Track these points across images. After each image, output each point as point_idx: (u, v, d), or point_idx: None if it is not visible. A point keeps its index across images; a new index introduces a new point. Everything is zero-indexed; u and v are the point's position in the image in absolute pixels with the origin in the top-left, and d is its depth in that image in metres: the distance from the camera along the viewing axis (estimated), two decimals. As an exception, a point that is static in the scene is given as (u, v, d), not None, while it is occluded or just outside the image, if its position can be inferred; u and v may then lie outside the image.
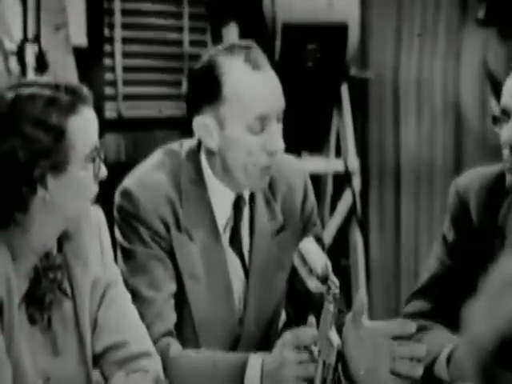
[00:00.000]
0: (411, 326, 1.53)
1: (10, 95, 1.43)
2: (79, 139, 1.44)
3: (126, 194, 1.72)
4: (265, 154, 1.70)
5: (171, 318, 1.71)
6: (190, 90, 1.75)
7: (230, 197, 1.77)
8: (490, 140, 3.31)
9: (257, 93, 1.68)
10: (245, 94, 1.68)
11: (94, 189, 1.49)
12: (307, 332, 1.52)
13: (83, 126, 1.45)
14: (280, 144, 1.70)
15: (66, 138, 1.42)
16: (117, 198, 1.74)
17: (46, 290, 1.48)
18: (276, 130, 1.70)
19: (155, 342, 1.65)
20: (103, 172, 1.49)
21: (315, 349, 1.49)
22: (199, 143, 1.77)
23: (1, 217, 1.44)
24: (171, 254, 1.72)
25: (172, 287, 1.72)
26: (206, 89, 1.70)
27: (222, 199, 1.76)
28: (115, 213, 1.75)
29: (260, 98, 1.68)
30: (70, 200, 1.46)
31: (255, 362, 1.60)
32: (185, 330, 1.73)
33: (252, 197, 1.80)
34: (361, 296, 1.56)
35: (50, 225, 1.47)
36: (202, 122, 1.70)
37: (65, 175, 1.44)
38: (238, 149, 1.69)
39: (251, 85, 1.68)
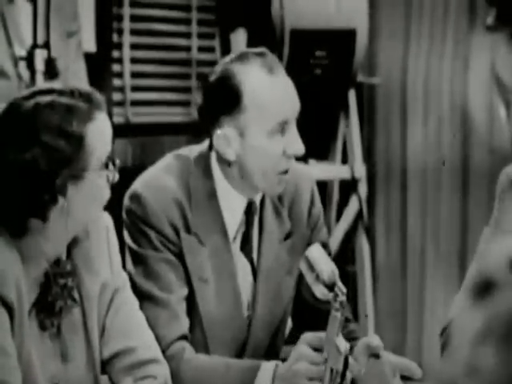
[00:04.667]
0: (419, 372, 1.54)
1: (28, 104, 1.42)
2: (97, 146, 1.44)
3: (135, 198, 1.72)
4: (284, 158, 1.70)
5: (186, 321, 1.71)
6: (207, 104, 1.72)
7: (242, 202, 1.76)
8: (498, 145, 3.30)
9: (277, 98, 1.67)
10: (265, 100, 1.67)
11: (107, 193, 1.49)
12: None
13: (100, 133, 1.45)
14: (301, 147, 1.70)
15: (85, 146, 1.42)
16: (126, 202, 1.74)
17: (56, 296, 1.48)
18: (295, 132, 1.70)
19: (172, 342, 1.66)
20: (116, 177, 1.49)
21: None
22: (209, 148, 1.77)
23: (20, 225, 1.44)
24: (181, 257, 1.72)
25: (184, 291, 1.72)
26: (224, 100, 1.68)
27: (233, 205, 1.76)
28: (124, 216, 1.75)
29: (280, 103, 1.67)
30: (86, 206, 1.47)
31: (268, 365, 1.61)
32: (193, 333, 1.73)
33: (261, 202, 1.80)
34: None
35: (65, 231, 1.48)
36: (223, 135, 1.69)
37: (82, 182, 1.44)
38: (259, 155, 1.68)
39: (270, 90, 1.67)
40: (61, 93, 1.44)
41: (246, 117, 1.67)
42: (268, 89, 1.67)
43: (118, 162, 1.49)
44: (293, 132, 1.69)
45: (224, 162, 1.73)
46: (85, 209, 1.46)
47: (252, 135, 1.68)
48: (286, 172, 1.71)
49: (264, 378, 1.59)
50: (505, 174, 1.68)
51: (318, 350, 1.52)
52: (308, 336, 1.55)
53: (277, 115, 1.67)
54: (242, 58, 1.70)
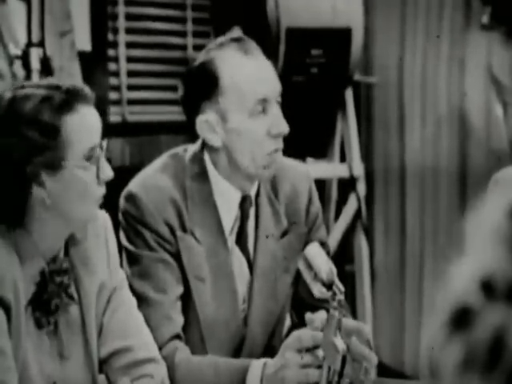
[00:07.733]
0: (368, 336, 1.52)
1: (7, 96, 1.45)
2: (76, 137, 1.44)
3: (131, 198, 1.73)
4: (270, 139, 1.70)
5: (179, 320, 1.71)
6: (188, 91, 1.74)
7: (237, 196, 1.77)
8: (495, 144, 3.30)
9: (253, 77, 1.69)
10: (242, 80, 1.68)
11: (100, 191, 1.49)
12: (308, 334, 1.51)
13: (80, 124, 1.45)
14: (284, 126, 1.70)
15: (62, 136, 1.43)
16: (121, 202, 1.75)
17: (52, 294, 1.48)
18: (277, 112, 1.71)
19: (163, 344, 1.66)
20: (108, 173, 1.49)
21: (319, 353, 1.49)
22: (202, 145, 1.77)
23: (5, 216, 1.46)
24: (177, 256, 1.72)
25: (179, 290, 1.72)
26: (203, 86, 1.70)
27: (228, 199, 1.76)
28: (120, 217, 1.75)
29: (258, 82, 1.69)
30: (72, 201, 1.46)
31: (257, 365, 1.59)
32: (190, 332, 1.73)
33: (257, 199, 1.80)
34: None
35: (54, 227, 1.48)
36: (205, 120, 1.70)
37: (62, 174, 1.44)
38: (244, 138, 1.69)
39: (247, 70, 1.69)
40: (41, 86, 1.47)
41: (226, 99, 1.68)
42: (244, 69, 1.69)
43: (105, 153, 1.49)
44: (275, 112, 1.70)
45: (213, 151, 1.74)
46: (71, 204, 1.46)
47: (234, 118, 1.69)
48: (276, 151, 1.71)
49: (253, 379, 1.58)
50: (493, 181, 1.67)
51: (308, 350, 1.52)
52: (289, 341, 1.53)
53: (255, 93, 1.68)
54: (219, 44, 1.73)
